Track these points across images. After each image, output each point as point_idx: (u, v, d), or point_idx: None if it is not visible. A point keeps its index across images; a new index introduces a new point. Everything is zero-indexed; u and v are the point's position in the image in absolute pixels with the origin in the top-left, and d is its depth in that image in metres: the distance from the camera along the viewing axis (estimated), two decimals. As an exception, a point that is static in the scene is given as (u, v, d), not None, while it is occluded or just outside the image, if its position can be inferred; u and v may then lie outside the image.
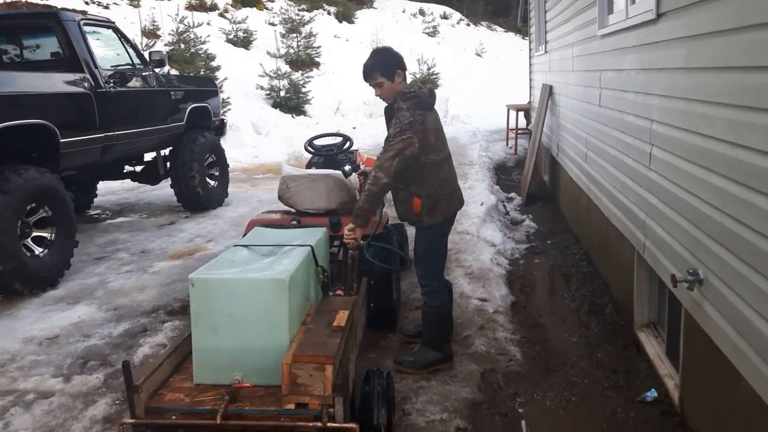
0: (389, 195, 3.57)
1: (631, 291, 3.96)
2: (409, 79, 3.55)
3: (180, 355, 2.55)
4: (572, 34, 5.72)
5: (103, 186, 8.45)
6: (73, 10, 6.79)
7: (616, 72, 4.05)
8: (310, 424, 2.13)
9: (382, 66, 3.39)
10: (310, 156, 4.79)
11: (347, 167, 3.88)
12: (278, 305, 2.31)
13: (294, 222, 3.62)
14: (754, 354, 2.04)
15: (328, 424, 2.12)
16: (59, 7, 9.92)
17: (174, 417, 2.19)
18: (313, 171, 4.13)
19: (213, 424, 2.13)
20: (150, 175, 7.83)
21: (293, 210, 4.11)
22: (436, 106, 3.48)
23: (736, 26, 2.17)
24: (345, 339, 2.41)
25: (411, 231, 5.32)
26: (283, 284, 2.30)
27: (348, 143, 4.60)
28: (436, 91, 3.63)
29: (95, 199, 8.21)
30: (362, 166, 4.16)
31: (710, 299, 2.44)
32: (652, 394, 3.25)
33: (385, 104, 3.52)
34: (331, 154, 4.59)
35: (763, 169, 1.95)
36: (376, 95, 3.50)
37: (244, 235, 3.92)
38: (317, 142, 4.67)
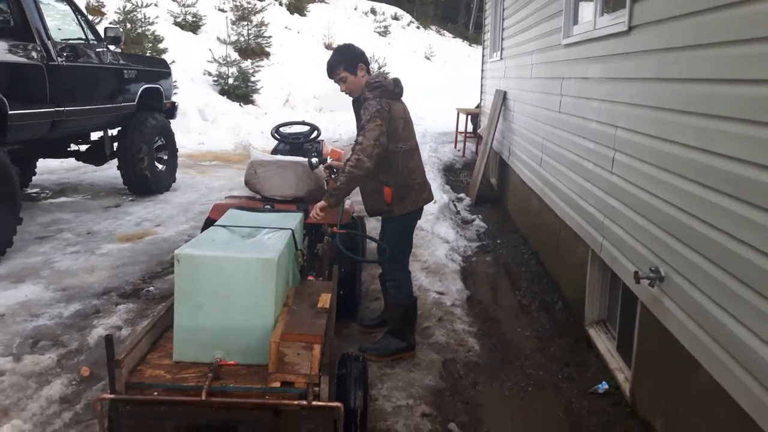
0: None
1: (581, 289, 4.15)
2: None
3: (156, 332, 2.51)
4: (533, 42, 5.92)
5: (41, 164, 8.08)
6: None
7: (579, 80, 4.23)
8: (296, 402, 2.15)
9: (345, 61, 3.49)
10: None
11: (314, 159, 3.85)
12: (265, 285, 2.31)
13: (268, 207, 3.61)
14: (714, 344, 2.21)
15: (314, 403, 2.14)
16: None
17: (156, 393, 2.16)
18: (283, 157, 4.10)
19: (197, 401, 2.11)
20: (95, 155, 7.55)
21: (258, 196, 4.08)
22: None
23: (708, 42, 2.35)
24: (330, 320, 2.44)
25: (370, 225, 5.38)
26: (271, 264, 2.31)
27: (315, 132, 4.60)
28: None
29: (33, 178, 7.85)
30: (329, 160, 4.17)
31: (671, 295, 2.61)
32: (603, 386, 3.43)
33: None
34: (297, 142, 4.58)
35: (733, 174, 2.12)
36: (342, 90, 3.60)
37: (209, 217, 3.88)
38: (284, 129, 4.65)
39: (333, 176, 4.23)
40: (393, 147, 3.37)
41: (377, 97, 3.35)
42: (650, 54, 2.93)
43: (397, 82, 3.50)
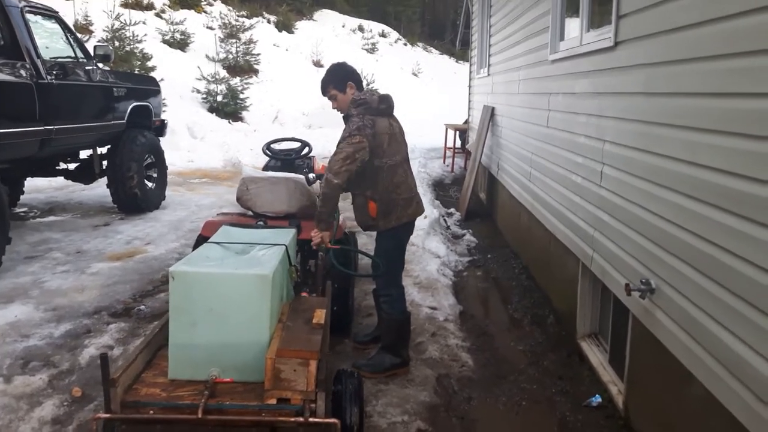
0: (349, 203, 3.65)
1: (572, 303, 4.18)
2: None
3: (150, 351, 2.50)
4: (520, 57, 5.99)
5: (29, 183, 8.03)
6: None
7: (566, 95, 4.29)
8: (292, 419, 2.15)
9: (334, 80, 3.58)
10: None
11: (311, 175, 3.90)
12: (260, 301, 2.32)
13: (260, 223, 3.62)
14: (707, 355, 2.24)
15: (310, 420, 2.14)
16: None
17: (152, 412, 2.15)
18: (274, 174, 4.12)
19: (193, 419, 2.11)
20: (84, 174, 7.51)
21: (250, 212, 4.08)
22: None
23: (694, 56, 2.40)
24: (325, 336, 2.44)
25: (362, 240, 5.40)
26: (266, 280, 2.31)
27: (306, 149, 4.62)
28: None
29: (21, 197, 7.79)
30: None
31: (662, 307, 2.64)
32: (596, 399, 3.45)
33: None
34: (289, 159, 4.60)
35: (722, 186, 2.16)
36: (333, 108, 3.67)
37: (201, 234, 3.87)
38: (275, 146, 4.67)
39: None
40: (378, 162, 3.41)
41: (360, 114, 3.40)
42: (637, 69, 2.99)
43: (383, 99, 3.53)
